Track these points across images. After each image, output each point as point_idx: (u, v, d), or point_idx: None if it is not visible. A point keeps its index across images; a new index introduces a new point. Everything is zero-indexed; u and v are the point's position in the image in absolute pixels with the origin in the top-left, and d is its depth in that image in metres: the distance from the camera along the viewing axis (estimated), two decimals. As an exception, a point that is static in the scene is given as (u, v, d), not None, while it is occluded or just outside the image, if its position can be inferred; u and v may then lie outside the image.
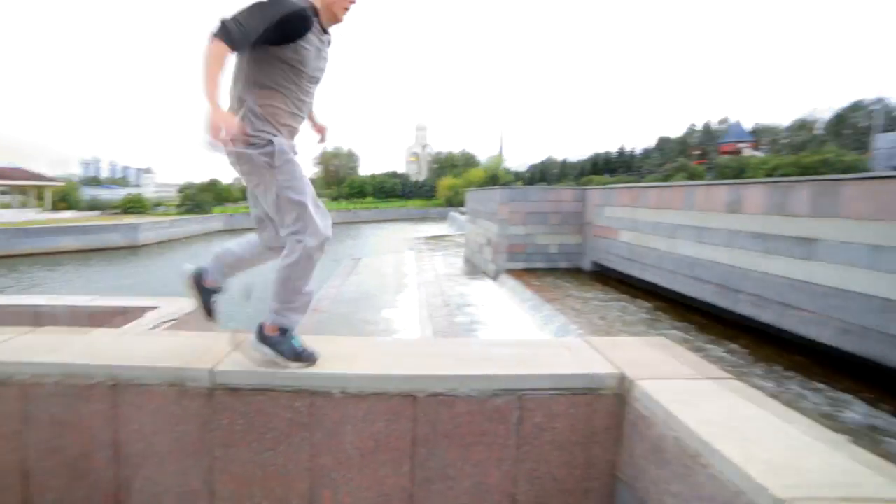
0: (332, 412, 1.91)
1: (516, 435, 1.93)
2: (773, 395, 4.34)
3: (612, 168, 69.47)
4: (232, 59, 1.86)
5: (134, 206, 47.08)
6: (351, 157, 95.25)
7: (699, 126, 70.17)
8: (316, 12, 1.94)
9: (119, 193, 62.96)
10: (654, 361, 2.12)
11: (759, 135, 60.46)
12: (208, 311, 2.27)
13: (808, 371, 5.27)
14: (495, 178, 53.22)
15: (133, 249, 29.04)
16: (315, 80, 2.08)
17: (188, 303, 2.34)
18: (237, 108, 1.96)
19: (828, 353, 5.45)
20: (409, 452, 1.93)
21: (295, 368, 1.96)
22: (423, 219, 56.00)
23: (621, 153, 75.69)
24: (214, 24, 1.74)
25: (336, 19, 2.02)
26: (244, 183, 2.11)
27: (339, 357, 2.08)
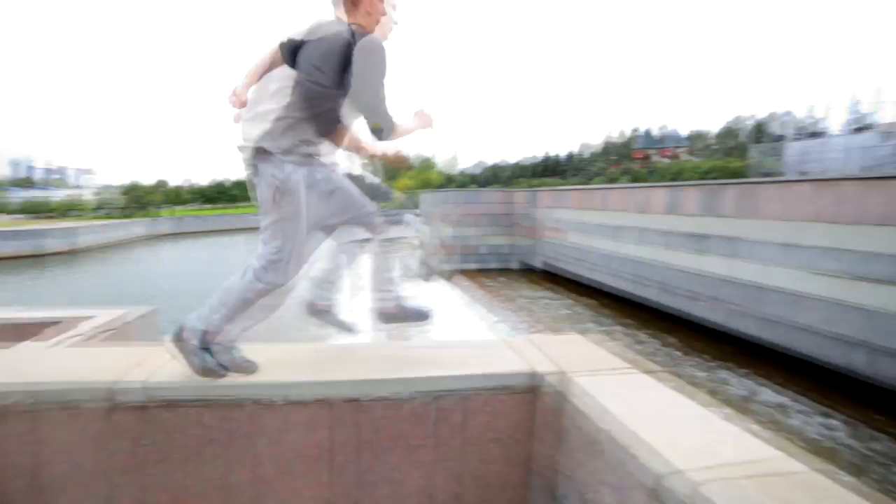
0: (273, 421, 1.86)
1: (434, 436, 1.94)
2: (702, 382, 4.62)
3: (562, 171, 71.13)
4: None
5: (72, 208, 44.44)
6: None
7: (642, 131, 72.98)
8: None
9: (56, 195, 59.39)
10: (589, 357, 2.18)
11: (693, 140, 63.60)
12: (344, 327, 2.33)
13: (734, 360, 5.63)
14: (427, 182, 53.52)
15: (71, 254, 27.41)
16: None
17: (127, 311, 2.26)
18: None
19: (751, 343, 5.82)
20: (326, 460, 1.89)
21: (234, 378, 1.89)
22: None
23: (570, 156, 77.58)
24: None
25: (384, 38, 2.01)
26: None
27: (282, 364, 2.02)
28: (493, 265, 12.46)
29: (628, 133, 72.37)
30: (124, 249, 31.45)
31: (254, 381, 1.87)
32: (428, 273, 12.46)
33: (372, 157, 2.34)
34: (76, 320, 3.53)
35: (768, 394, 4.87)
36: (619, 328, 7.07)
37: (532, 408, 2.00)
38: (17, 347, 2.37)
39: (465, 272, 11.78)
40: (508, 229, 12.62)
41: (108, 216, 43.52)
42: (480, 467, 1.98)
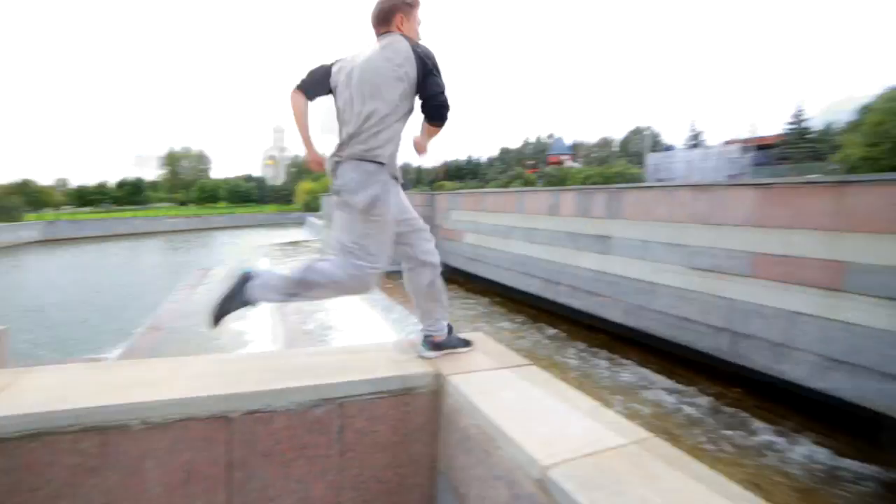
0: (130, 448, 1.63)
1: (339, 443, 1.87)
2: (584, 369, 4.89)
3: (461, 175, 72.65)
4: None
5: None
6: (201, 159, 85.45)
7: (533, 139, 76.92)
8: None
9: None
10: (467, 355, 2.22)
11: (576, 149, 68.59)
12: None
13: (608, 347, 6.12)
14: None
15: None
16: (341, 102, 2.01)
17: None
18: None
19: (618, 329, 6.33)
20: (224, 479, 1.75)
21: (119, 398, 1.67)
22: (280, 224, 52.85)
23: (468, 161, 79.53)
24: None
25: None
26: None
27: (144, 383, 1.81)
28: (395, 267, 12.34)
29: (544, 139, 75.80)
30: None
31: (142, 401, 1.67)
32: None
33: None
34: None
35: (631, 373, 5.31)
36: (508, 324, 7.38)
37: (436, 408, 1.99)
38: None
39: (385, 274, 11.60)
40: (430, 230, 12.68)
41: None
42: (387, 472, 1.94)
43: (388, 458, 1.94)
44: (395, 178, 2.04)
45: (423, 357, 2.16)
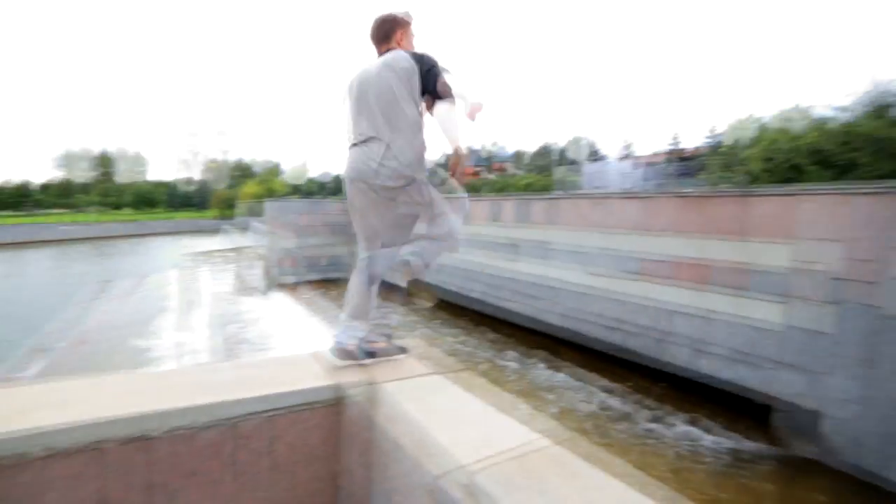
0: (24, 480, 1.45)
1: (233, 466, 1.73)
2: (515, 370, 5.03)
3: (410, 181, 71.87)
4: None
5: None
6: (138, 161, 78.88)
7: (477, 147, 77.84)
8: None
9: None
10: (401, 362, 2.20)
11: (517, 157, 70.14)
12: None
13: (545, 346, 6.32)
14: (271, 191, 50.06)
15: None
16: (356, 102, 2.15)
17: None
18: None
19: (556, 332, 6.55)
20: None
21: None
22: (194, 232, 49.14)
23: (397, 168, 79.01)
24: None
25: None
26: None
27: (47, 406, 1.61)
28: (338, 274, 12.05)
29: (489, 146, 76.34)
30: None
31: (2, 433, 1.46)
32: (267, 286, 12.00)
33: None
34: None
35: (566, 374, 5.50)
36: (447, 330, 7.46)
37: (338, 422, 1.92)
38: None
39: (309, 282, 11.35)
40: (353, 238, 12.37)
41: None
42: (287, 492, 1.83)
43: (290, 478, 1.83)
44: None
45: (360, 364, 2.15)
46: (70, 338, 8.53)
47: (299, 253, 12.00)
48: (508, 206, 7.04)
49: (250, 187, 56.69)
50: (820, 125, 10.33)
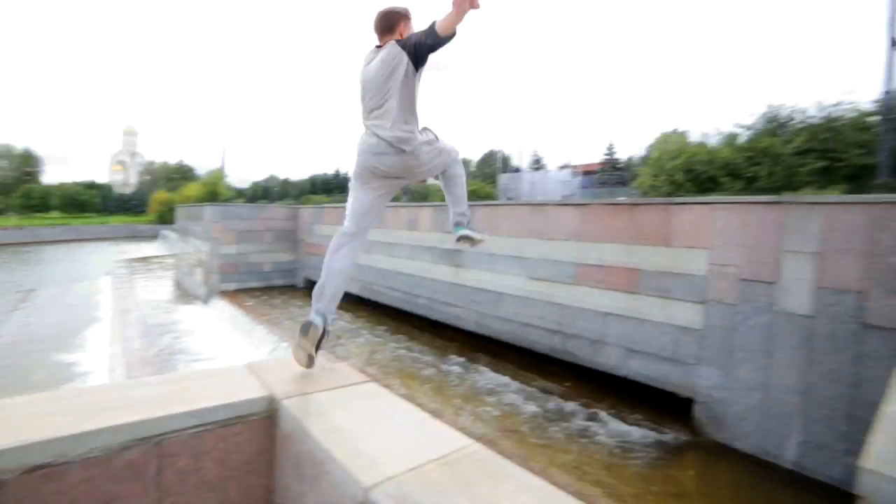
0: None
1: (156, 489, 1.62)
2: (453, 377, 4.96)
3: (329, 189, 70.70)
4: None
5: None
6: (29, 160, 70.00)
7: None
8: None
9: None
10: (305, 377, 2.11)
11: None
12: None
13: (462, 352, 6.34)
14: (215, 195, 47.34)
15: None
16: (365, 90, 2.44)
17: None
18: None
19: (475, 336, 6.61)
20: None
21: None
22: (130, 237, 45.91)
23: (336, 175, 77.73)
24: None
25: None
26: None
27: None
28: (256, 284, 11.50)
29: None
30: None
31: None
32: (207, 293, 11.08)
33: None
34: None
35: (485, 376, 5.54)
36: (392, 337, 7.29)
37: (271, 435, 1.83)
38: None
39: (225, 292, 10.68)
40: (271, 246, 11.85)
41: None
42: None
43: (220, 497, 1.73)
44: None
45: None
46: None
47: (241, 259, 11.34)
48: (426, 213, 7.08)
49: (191, 190, 52.62)
50: (730, 141, 11.63)
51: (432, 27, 2.16)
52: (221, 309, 9.75)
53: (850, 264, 3.44)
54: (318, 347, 2.25)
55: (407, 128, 2.40)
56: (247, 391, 1.88)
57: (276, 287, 11.56)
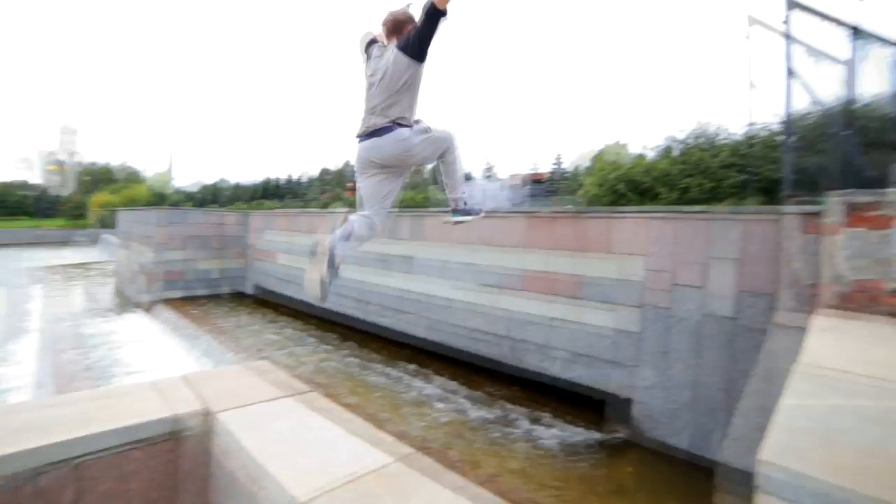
0: None
1: None
2: (383, 385, 4.88)
3: (281, 194, 68.80)
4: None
5: None
6: None
7: (352, 162, 76.94)
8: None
9: None
10: (245, 388, 2.04)
11: None
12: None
13: (412, 360, 6.31)
14: (161, 198, 44.83)
15: None
16: (370, 85, 2.74)
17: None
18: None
19: (422, 344, 6.59)
20: None
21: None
22: (66, 243, 42.69)
23: (289, 180, 75.85)
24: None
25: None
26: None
27: None
28: (203, 291, 10.97)
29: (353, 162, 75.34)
30: None
31: None
32: (150, 301, 10.44)
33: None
34: None
35: (433, 385, 5.52)
36: (317, 347, 7.12)
37: (206, 451, 1.74)
38: None
39: (169, 301, 10.15)
40: (220, 252, 11.37)
41: None
42: None
43: None
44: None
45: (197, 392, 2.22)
46: None
47: (188, 265, 10.78)
48: (402, 221, 7.03)
49: (136, 193, 49.11)
50: (666, 154, 12.40)
51: (430, 4, 2.45)
52: (165, 318, 9.24)
53: (763, 270, 3.70)
54: (330, 279, 2.64)
55: (402, 122, 2.75)
56: (180, 405, 1.79)
57: (224, 295, 11.09)
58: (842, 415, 1.34)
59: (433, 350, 6.45)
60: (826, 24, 3.59)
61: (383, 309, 7.16)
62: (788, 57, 3.57)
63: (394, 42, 2.72)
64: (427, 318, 6.39)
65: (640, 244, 4.40)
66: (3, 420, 1.63)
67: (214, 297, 10.73)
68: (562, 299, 4.93)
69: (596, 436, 4.30)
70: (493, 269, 5.61)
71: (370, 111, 2.75)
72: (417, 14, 2.61)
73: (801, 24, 3.65)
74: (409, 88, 2.75)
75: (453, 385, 5.44)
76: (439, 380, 5.61)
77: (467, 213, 3.15)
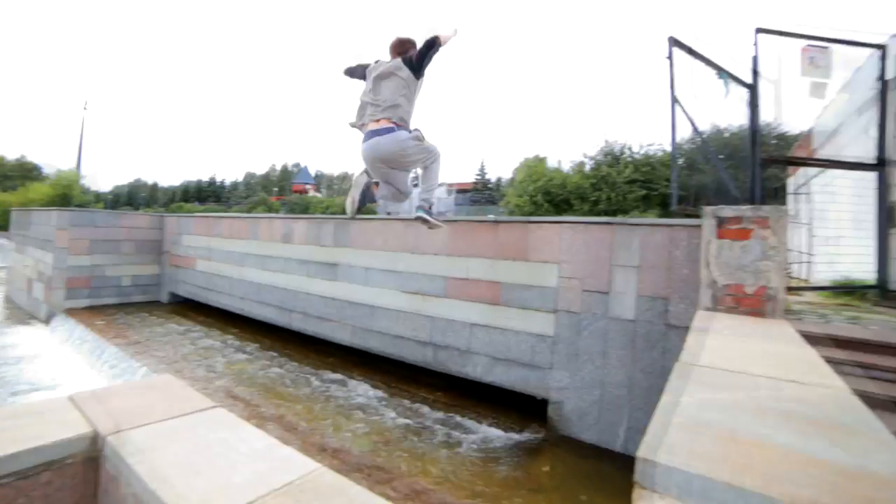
0: None
1: None
2: (308, 398, 4.69)
3: (203, 197, 64.64)
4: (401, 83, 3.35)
5: None
6: None
7: (279, 167, 73.89)
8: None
9: None
10: (142, 407, 1.87)
11: (319, 180, 69.05)
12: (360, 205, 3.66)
13: (337, 367, 6.15)
14: (68, 198, 40.05)
15: None
16: (374, 90, 3.39)
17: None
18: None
19: (350, 351, 6.46)
20: None
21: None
22: None
23: (212, 183, 71.44)
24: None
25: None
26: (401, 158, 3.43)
27: None
28: (111, 300, 10.00)
29: (290, 167, 72.14)
30: None
31: None
32: (49, 312, 9.37)
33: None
34: None
35: (364, 393, 5.41)
36: (238, 356, 6.75)
37: (93, 481, 1.57)
38: None
39: (72, 311, 9.15)
40: (132, 258, 10.42)
41: None
42: None
43: None
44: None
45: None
46: None
47: (95, 272, 9.73)
48: (327, 228, 6.84)
49: (36, 192, 42.97)
50: (580, 169, 13.13)
51: (434, 38, 3.19)
52: (66, 330, 8.30)
53: (658, 276, 4.02)
54: (361, 202, 3.62)
55: (402, 124, 3.28)
56: (63, 430, 1.59)
57: (135, 303, 10.18)
58: (708, 408, 1.47)
59: (358, 357, 6.33)
60: (700, 62, 4.03)
61: (307, 317, 6.93)
62: (672, 87, 3.95)
63: (398, 58, 3.34)
64: (352, 326, 6.26)
65: (553, 252, 4.62)
66: None
67: (125, 307, 9.82)
68: (482, 305, 5.05)
69: (516, 437, 4.41)
70: (416, 275, 5.63)
71: (374, 113, 3.29)
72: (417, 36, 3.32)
73: (685, 59, 4.07)
74: (408, 97, 3.26)
75: (377, 392, 5.35)
76: (363, 387, 5.50)
77: (430, 214, 3.65)
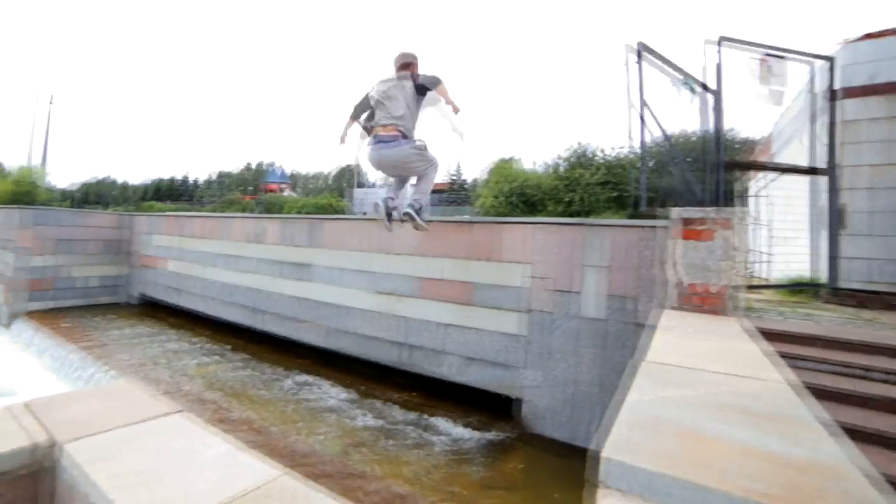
0: None
1: None
2: (281, 400, 4.59)
3: (175, 195, 62.77)
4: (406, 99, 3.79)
5: None
6: None
7: (254, 165, 72.39)
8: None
9: None
10: (101, 413, 1.79)
11: (293, 179, 68.02)
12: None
13: (309, 369, 6.05)
14: (31, 196, 38.18)
15: None
16: (378, 105, 3.86)
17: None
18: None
19: (323, 352, 6.37)
20: None
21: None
22: None
23: (184, 181, 69.47)
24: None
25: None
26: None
27: None
28: (77, 302, 9.60)
29: (265, 166, 70.71)
30: None
31: None
32: (9, 314, 8.93)
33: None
34: None
35: (336, 396, 5.34)
36: (208, 358, 6.56)
37: (48, 491, 1.50)
38: None
39: (34, 313, 8.76)
40: (99, 258, 10.03)
41: None
42: None
43: None
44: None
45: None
46: None
47: (59, 273, 9.33)
48: (300, 227, 6.71)
49: None
50: (554, 170, 13.31)
51: (438, 80, 3.70)
52: (28, 333, 7.94)
53: (628, 276, 4.09)
54: (388, 216, 4.08)
55: (406, 133, 3.65)
56: (17, 439, 1.52)
57: (102, 305, 9.81)
58: (670, 405, 1.50)
59: (331, 358, 6.24)
60: (667, 68, 4.14)
61: (280, 318, 6.80)
62: (641, 91, 4.04)
63: (405, 74, 3.76)
64: (325, 327, 6.17)
65: (526, 252, 4.64)
66: None
67: (91, 308, 9.45)
68: (456, 305, 5.04)
69: (489, 436, 4.42)
70: (389, 275, 5.58)
71: (383, 119, 3.66)
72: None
73: (654, 64, 4.16)
74: (412, 109, 3.65)
75: (350, 394, 5.29)
76: (336, 389, 5.43)
77: (419, 214, 3.94)
